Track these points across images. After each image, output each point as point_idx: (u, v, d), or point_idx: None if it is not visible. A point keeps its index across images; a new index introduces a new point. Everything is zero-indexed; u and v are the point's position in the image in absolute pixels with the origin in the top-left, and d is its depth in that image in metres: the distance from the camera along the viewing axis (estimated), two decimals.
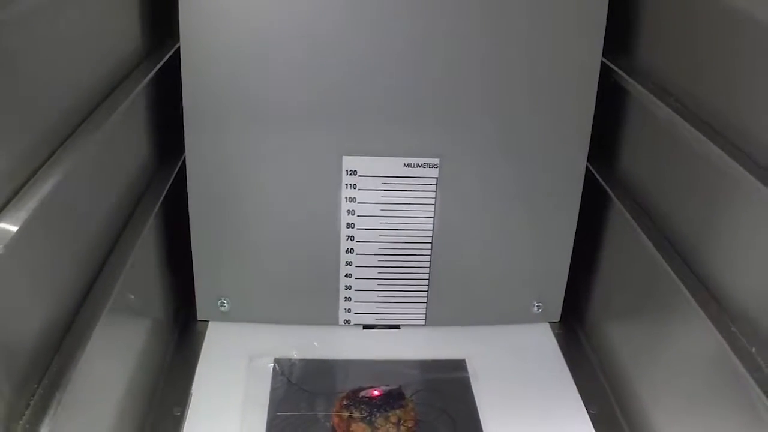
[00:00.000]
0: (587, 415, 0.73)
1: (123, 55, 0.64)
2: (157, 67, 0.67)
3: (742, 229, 0.54)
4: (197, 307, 0.84)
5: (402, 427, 0.68)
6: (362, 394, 0.71)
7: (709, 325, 0.55)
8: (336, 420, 0.69)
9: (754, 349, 0.51)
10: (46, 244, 0.45)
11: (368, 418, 0.68)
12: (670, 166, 0.67)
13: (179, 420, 0.70)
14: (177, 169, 0.76)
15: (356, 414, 0.69)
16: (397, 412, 0.69)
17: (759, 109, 0.52)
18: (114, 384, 0.61)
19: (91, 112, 0.53)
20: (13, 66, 0.41)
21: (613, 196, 0.76)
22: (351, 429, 0.68)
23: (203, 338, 0.82)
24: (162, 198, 0.71)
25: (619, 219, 0.75)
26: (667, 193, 0.68)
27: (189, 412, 0.71)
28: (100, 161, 0.55)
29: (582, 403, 0.75)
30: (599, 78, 0.75)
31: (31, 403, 0.43)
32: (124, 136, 0.63)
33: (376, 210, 0.78)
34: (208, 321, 0.84)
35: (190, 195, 0.77)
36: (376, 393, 0.71)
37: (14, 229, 0.38)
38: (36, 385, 0.44)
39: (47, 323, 0.46)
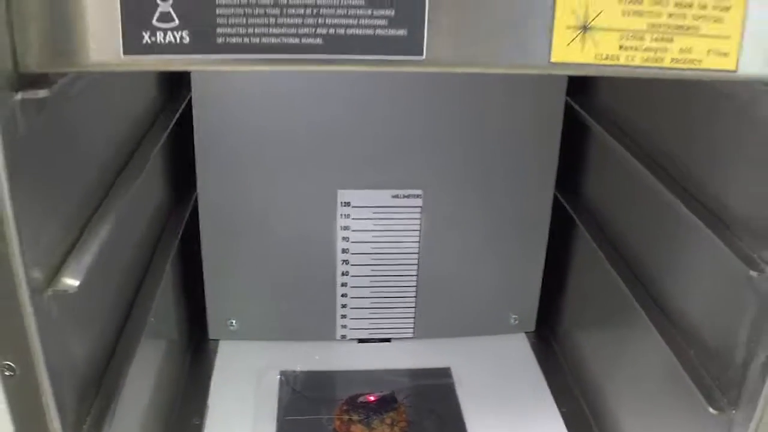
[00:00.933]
0: (559, 414, 0.82)
1: (145, 110, 0.73)
2: (174, 119, 0.76)
3: (686, 255, 0.64)
4: (209, 328, 0.92)
5: (395, 428, 0.77)
6: (360, 399, 0.80)
7: (658, 337, 0.64)
8: (337, 423, 0.78)
9: (692, 352, 0.61)
10: (97, 282, 0.54)
11: (366, 420, 0.77)
12: (626, 196, 0.77)
13: (198, 428, 0.79)
14: (190, 205, 0.85)
15: (355, 417, 0.78)
16: (391, 414, 0.78)
17: (700, 152, 0.62)
18: (143, 397, 0.70)
19: (124, 165, 0.63)
20: (72, 132, 0.51)
21: (578, 221, 0.85)
22: (351, 430, 0.77)
23: (215, 355, 0.90)
24: (179, 234, 0.80)
25: (584, 241, 0.84)
26: (624, 219, 0.77)
27: (207, 420, 0.80)
28: (131, 206, 0.64)
29: (554, 403, 0.84)
30: (564, 115, 0.85)
31: (90, 413, 0.52)
32: (147, 181, 0.72)
33: (368, 236, 0.87)
34: (218, 340, 0.92)
35: (202, 228, 0.85)
36: (371, 398, 0.80)
37: (84, 270, 0.47)
38: (93, 399, 0.53)
39: (97, 348, 0.56)
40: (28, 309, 0.41)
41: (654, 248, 0.70)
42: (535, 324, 0.96)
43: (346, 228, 0.86)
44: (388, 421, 0.78)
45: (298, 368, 0.87)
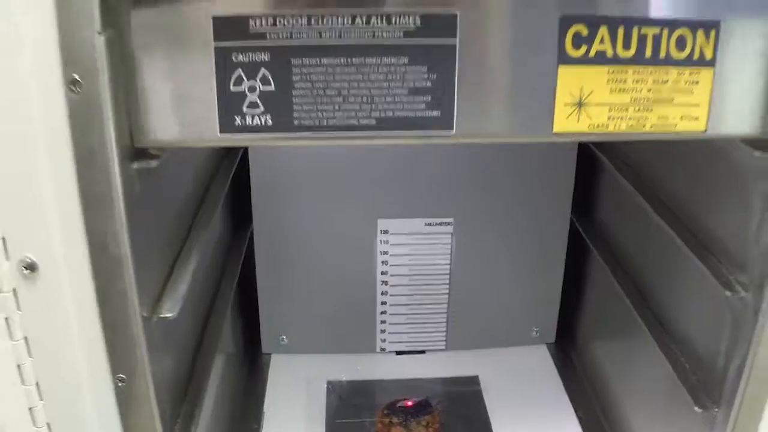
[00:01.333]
0: (576, 418, 0.91)
1: (211, 161, 0.83)
2: (234, 166, 0.87)
3: (680, 278, 0.73)
4: (262, 343, 1.01)
5: (430, 430, 0.87)
6: (398, 404, 0.89)
7: (657, 347, 0.73)
8: (379, 426, 0.88)
9: (688, 365, 0.70)
10: (184, 307, 0.65)
11: (404, 423, 0.87)
12: (633, 225, 0.86)
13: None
14: (248, 237, 0.95)
15: (395, 420, 0.87)
16: (426, 418, 0.88)
17: (694, 193, 0.72)
18: (212, 404, 0.81)
19: (198, 209, 0.74)
20: (164, 187, 0.62)
21: (591, 245, 0.95)
22: (391, 431, 0.88)
23: (268, 367, 1.00)
24: (240, 263, 0.91)
25: (597, 263, 0.92)
26: (630, 244, 0.87)
27: (264, 425, 0.90)
28: (205, 243, 0.75)
29: (572, 408, 0.93)
30: (579, 151, 0.95)
31: (180, 417, 0.63)
32: (216, 220, 0.83)
33: (404, 259, 0.97)
34: (271, 353, 1.02)
35: (257, 256, 0.95)
36: (409, 403, 0.89)
37: (180, 301, 0.58)
38: (181, 406, 0.64)
39: (182, 363, 0.67)
40: (140, 333, 0.52)
41: (654, 271, 0.80)
42: (555, 336, 1.05)
43: (384, 252, 0.96)
44: (424, 423, 0.87)
45: (343, 378, 0.97)
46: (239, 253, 0.91)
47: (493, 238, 0.98)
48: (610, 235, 0.93)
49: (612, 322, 0.92)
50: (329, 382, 0.96)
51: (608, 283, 0.87)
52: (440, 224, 0.96)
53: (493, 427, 0.90)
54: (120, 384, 0.53)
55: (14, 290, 0.51)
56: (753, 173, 0.58)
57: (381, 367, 1.00)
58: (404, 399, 0.91)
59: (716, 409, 0.63)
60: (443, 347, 1.03)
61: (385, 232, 0.95)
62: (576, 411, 0.93)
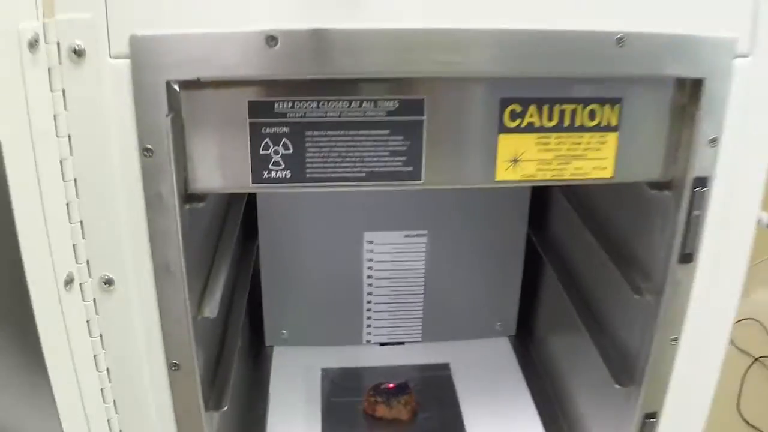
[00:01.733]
0: (531, 397, 1.08)
1: (228, 197, 1.00)
2: (246, 196, 1.04)
3: (607, 283, 0.91)
4: (265, 336, 1.18)
5: (408, 407, 1.04)
6: (382, 386, 1.06)
7: (590, 339, 0.92)
8: (366, 404, 1.05)
9: (612, 353, 0.88)
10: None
11: (386, 401, 1.04)
12: (575, 239, 1.04)
13: (263, 414, 1.05)
14: (255, 250, 1.12)
15: (379, 399, 1.04)
16: (405, 397, 1.04)
17: (619, 219, 0.90)
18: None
19: (222, 230, 0.91)
20: (202, 217, 0.79)
21: (543, 255, 1.13)
22: (376, 409, 1.04)
23: (271, 357, 1.16)
24: (251, 271, 1.08)
25: (548, 270, 1.10)
26: (574, 254, 1.05)
27: (269, 407, 1.06)
28: (228, 257, 0.92)
29: (528, 389, 1.10)
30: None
31: (211, 397, 0.80)
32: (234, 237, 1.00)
33: (386, 266, 1.13)
34: (273, 346, 1.18)
35: (261, 264, 1.12)
36: (390, 386, 1.06)
37: (216, 304, 0.76)
38: (211, 388, 0.81)
39: (212, 353, 0.84)
40: (189, 330, 0.69)
41: (590, 278, 0.98)
42: (516, 330, 1.22)
43: (370, 260, 1.13)
44: (403, 402, 1.04)
45: (335, 365, 1.14)
46: (249, 262, 1.08)
47: (461, 248, 1.15)
48: (559, 247, 1.10)
49: (560, 318, 1.09)
50: (323, 369, 1.13)
51: (557, 286, 1.05)
52: (416, 236, 1.13)
53: (461, 405, 1.07)
54: (173, 369, 0.70)
55: (94, 299, 0.67)
56: (653, 206, 0.76)
57: (367, 356, 1.17)
58: (386, 382, 1.07)
59: (632, 386, 0.81)
60: (419, 339, 1.20)
61: (370, 242, 1.12)
62: (531, 391, 1.11)
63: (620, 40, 0.63)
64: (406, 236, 1.13)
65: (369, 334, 1.20)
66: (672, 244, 0.72)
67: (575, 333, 0.98)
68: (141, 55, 0.59)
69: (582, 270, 1.01)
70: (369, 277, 1.15)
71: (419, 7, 0.60)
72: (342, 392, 1.09)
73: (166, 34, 0.59)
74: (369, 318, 1.19)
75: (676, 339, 0.76)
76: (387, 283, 1.16)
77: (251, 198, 1.07)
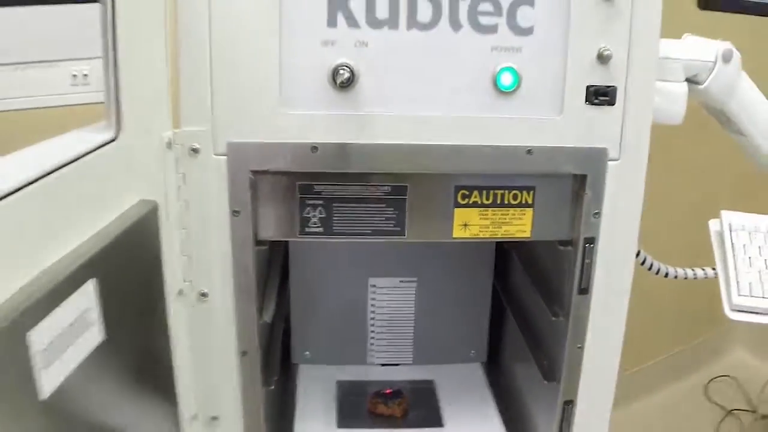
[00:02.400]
0: (495, 405, 1.41)
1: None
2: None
3: (542, 314, 1.28)
4: (292, 355, 1.52)
5: (401, 407, 1.38)
6: (381, 392, 1.40)
7: (530, 356, 1.29)
8: (369, 404, 1.39)
9: (545, 361, 1.24)
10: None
11: (385, 402, 1.38)
12: (523, 282, 1.42)
13: (292, 415, 1.39)
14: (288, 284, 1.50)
15: (379, 401, 1.38)
16: (399, 400, 1.37)
17: (548, 266, 1.28)
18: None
19: (270, 265, 1.29)
20: (264, 253, 1.17)
21: (501, 296, 1.50)
22: (377, 408, 1.38)
23: (297, 373, 1.50)
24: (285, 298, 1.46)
25: (508, 310, 1.48)
26: (523, 295, 1.42)
27: (297, 409, 1.39)
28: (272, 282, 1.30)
29: (494, 405, 1.41)
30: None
31: (264, 377, 1.17)
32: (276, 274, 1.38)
33: (386, 303, 1.46)
34: (298, 363, 1.52)
35: (292, 295, 1.49)
36: (388, 391, 1.39)
37: (272, 312, 1.13)
38: (264, 370, 1.18)
39: (265, 347, 1.21)
40: (255, 327, 1.06)
41: (530, 308, 1.34)
42: (486, 356, 1.56)
43: (373, 299, 1.48)
44: (397, 403, 1.37)
45: (347, 378, 1.49)
46: (284, 295, 1.46)
47: (443, 291, 1.48)
48: (512, 290, 1.47)
49: (517, 347, 1.46)
50: (338, 381, 1.47)
51: (512, 320, 1.42)
52: (408, 281, 1.48)
53: (440, 407, 1.41)
54: (242, 355, 1.07)
55: (193, 308, 1.05)
56: (563, 257, 1.13)
57: (370, 373, 1.50)
58: (385, 389, 1.42)
59: (554, 382, 1.17)
60: (411, 362, 1.52)
61: (374, 286, 1.48)
62: (496, 402, 1.44)
63: (529, 152, 1.01)
64: (401, 281, 1.48)
65: (372, 356, 1.51)
66: (573, 282, 1.09)
67: (524, 352, 1.34)
68: (233, 154, 0.98)
69: (526, 305, 1.38)
70: (372, 312, 1.48)
71: (404, 132, 0.98)
72: (352, 397, 1.43)
73: (249, 141, 0.98)
74: (372, 344, 1.50)
75: (581, 347, 1.12)
76: (386, 317, 1.48)
77: (285, 247, 1.45)
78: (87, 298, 0.77)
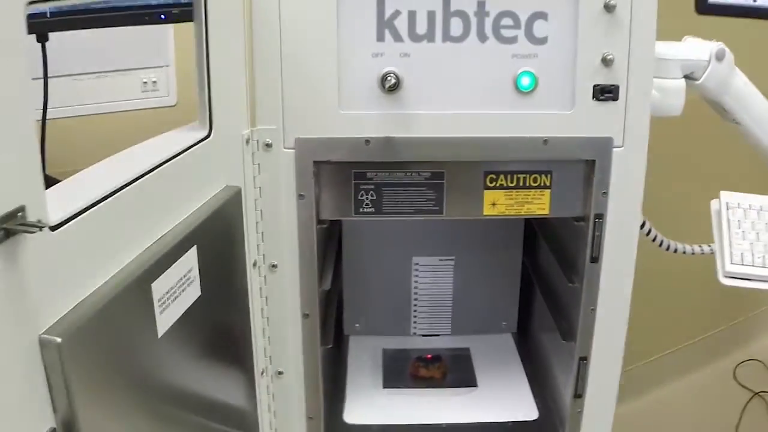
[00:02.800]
0: (524, 372, 1.59)
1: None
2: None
3: (561, 282, 1.47)
4: (344, 327, 1.71)
5: (440, 370, 1.57)
6: (423, 357, 1.60)
7: (554, 325, 1.47)
8: (411, 368, 1.58)
9: (564, 324, 1.43)
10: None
11: (425, 366, 1.58)
12: (546, 256, 1.60)
13: (344, 377, 1.61)
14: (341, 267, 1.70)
15: (421, 364, 1.58)
16: (438, 364, 1.57)
17: (569, 243, 1.47)
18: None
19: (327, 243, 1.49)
20: (324, 232, 1.38)
21: (530, 271, 1.69)
22: (419, 371, 1.57)
23: (348, 343, 1.69)
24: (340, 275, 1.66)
25: (536, 288, 1.67)
26: (548, 269, 1.61)
27: (348, 374, 1.59)
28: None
29: (522, 368, 1.59)
30: (526, 222, 1.69)
31: (322, 337, 1.37)
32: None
33: (428, 280, 1.67)
34: (349, 335, 1.72)
35: (344, 273, 1.69)
36: (429, 357, 1.59)
37: (329, 281, 1.33)
38: (322, 331, 1.38)
39: (323, 310, 1.41)
40: (315, 294, 1.26)
41: (553, 279, 1.54)
42: (517, 327, 1.75)
43: (416, 276, 1.67)
44: (437, 366, 1.57)
45: (392, 347, 1.68)
46: (338, 271, 1.66)
47: (478, 268, 1.68)
48: (539, 265, 1.66)
49: (545, 319, 1.65)
50: (384, 349, 1.67)
51: (540, 298, 1.61)
52: (447, 260, 1.67)
53: (475, 371, 1.60)
54: (305, 317, 1.27)
55: (265, 277, 1.26)
56: (577, 231, 1.31)
57: (413, 342, 1.70)
58: (426, 355, 1.62)
59: (572, 341, 1.35)
60: (449, 332, 1.73)
61: (417, 264, 1.68)
62: (525, 368, 1.62)
63: (546, 142, 1.20)
64: (440, 260, 1.66)
65: (415, 327, 1.68)
66: (586, 252, 1.28)
67: (548, 321, 1.52)
68: (300, 147, 1.18)
69: (549, 275, 1.56)
70: (415, 287, 1.65)
71: (441, 127, 1.18)
72: (396, 362, 1.62)
73: (313, 137, 1.18)
74: (415, 317, 1.67)
75: (594, 309, 1.30)
76: (427, 292, 1.66)
77: (339, 231, 1.65)
78: (190, 260, 0.98)
